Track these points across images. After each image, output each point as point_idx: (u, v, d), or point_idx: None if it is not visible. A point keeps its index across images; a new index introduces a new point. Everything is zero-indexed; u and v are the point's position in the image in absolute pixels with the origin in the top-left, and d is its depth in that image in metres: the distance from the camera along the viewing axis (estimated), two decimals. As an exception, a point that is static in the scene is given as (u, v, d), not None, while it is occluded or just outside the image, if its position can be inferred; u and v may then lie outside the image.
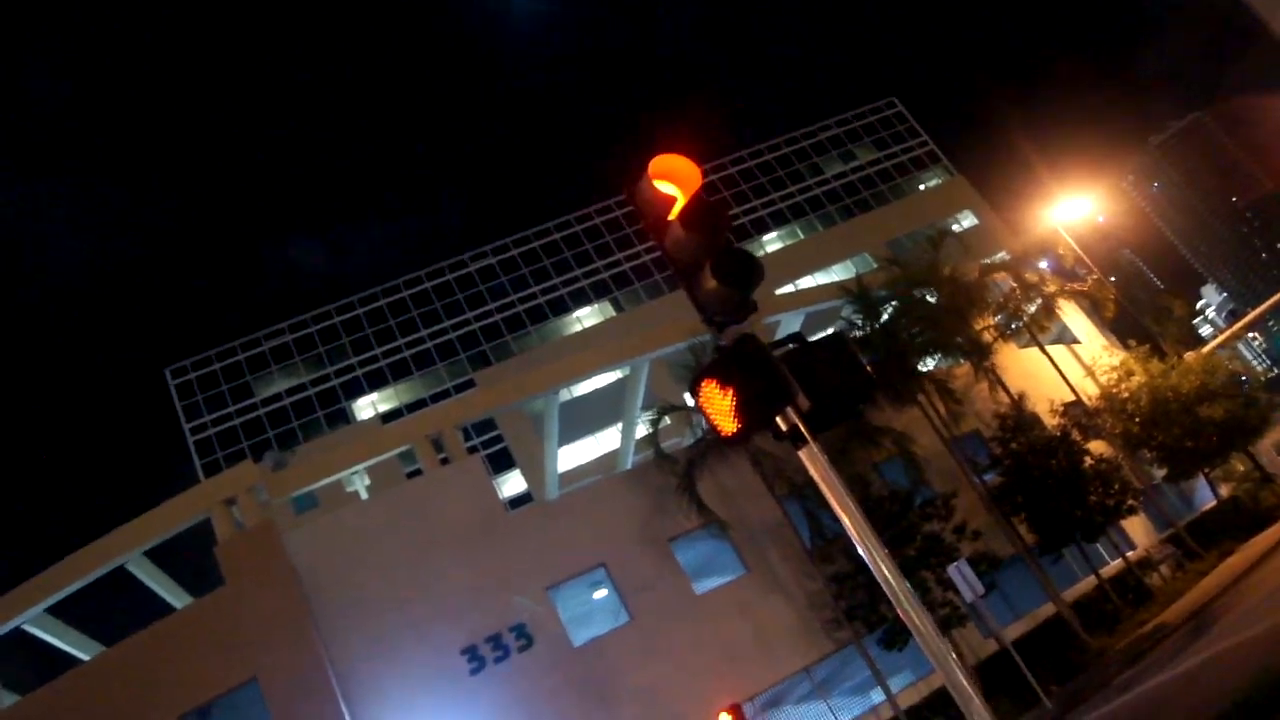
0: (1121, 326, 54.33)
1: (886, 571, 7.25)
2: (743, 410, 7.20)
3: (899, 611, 7.37)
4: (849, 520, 7.35)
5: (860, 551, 7.36)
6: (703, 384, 7.46)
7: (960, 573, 26.50)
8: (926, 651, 7.12)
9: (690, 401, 32.72)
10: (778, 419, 7.44)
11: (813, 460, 7.57)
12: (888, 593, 7.32)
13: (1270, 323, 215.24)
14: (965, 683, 7.00)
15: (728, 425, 7.31)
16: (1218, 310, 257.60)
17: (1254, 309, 77.25)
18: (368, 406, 71.80)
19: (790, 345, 7.98)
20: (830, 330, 44.12)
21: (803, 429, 7.46)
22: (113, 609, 37.59)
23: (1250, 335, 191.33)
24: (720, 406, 7.32)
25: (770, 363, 7.35)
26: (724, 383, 7.30)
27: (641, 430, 47.09)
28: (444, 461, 34.26)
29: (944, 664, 7.05)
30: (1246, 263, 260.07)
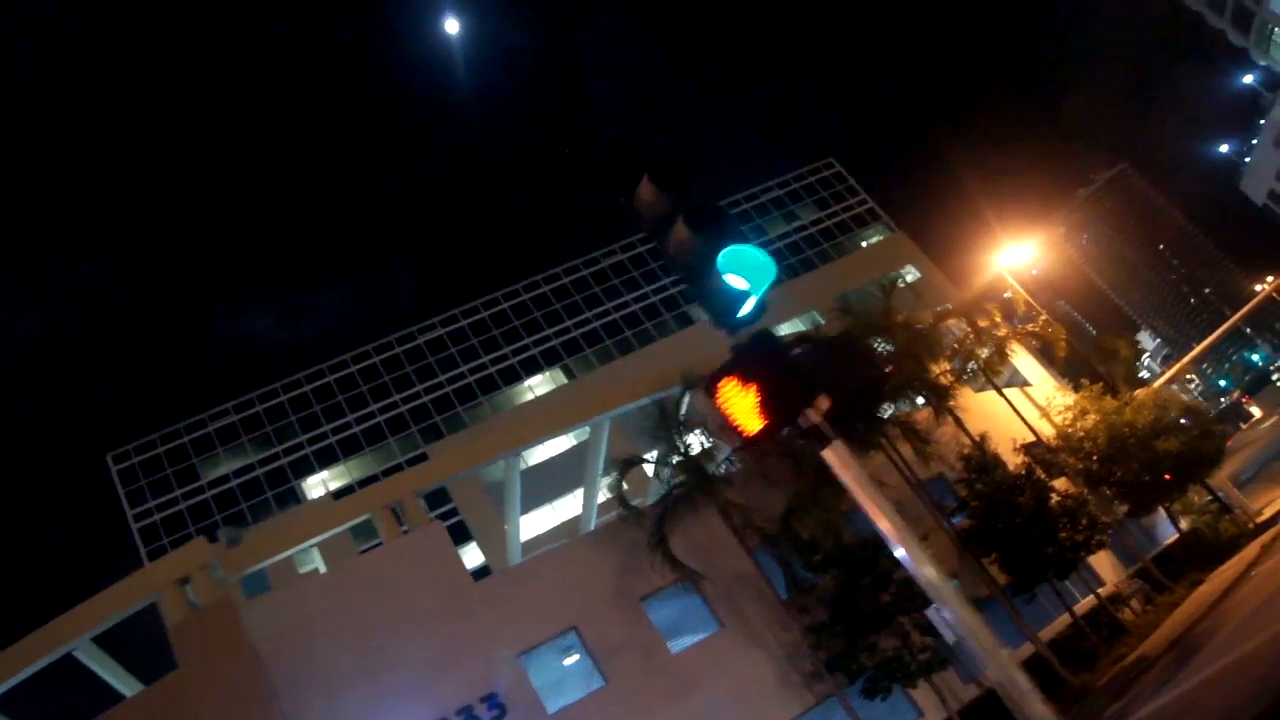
0: (1068, 370, 55.08)
1: (927, 572, 6.91)
2: (768, 406, 6.87)
3: (943, 615, 7.06)
4: (884, 521, 7.01)
5: (898, 553, 7.00)
6: (721, 383, 7.12)
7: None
8: (976, 648, 6.77)
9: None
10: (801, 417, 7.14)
11: (840, 457, 7.26)
12: (930, 594, 6.98)
13: (1205, 366, 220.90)
14: (1020, 679, 6.64)
15: (752, 424, 6.96)
16: (1153, 355, 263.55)
17: (1187, 353, 78.95)
18: (318, 485, 70.19)
19: (800, 346, 7.72)
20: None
21: (827, 426, 7.16)
22: (56, 702, 35.80)
23: (1188, 378, 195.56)
24: (743, 405, 6.98)
25: (793, 358, 7.06)
26: (745, 380, 6.97)
27: (603, 495, 46.57)
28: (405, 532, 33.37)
29: (994, 657, 6.72)
30: (1177, 309, 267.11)
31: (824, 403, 7.15)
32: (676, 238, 7.77)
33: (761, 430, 6.91)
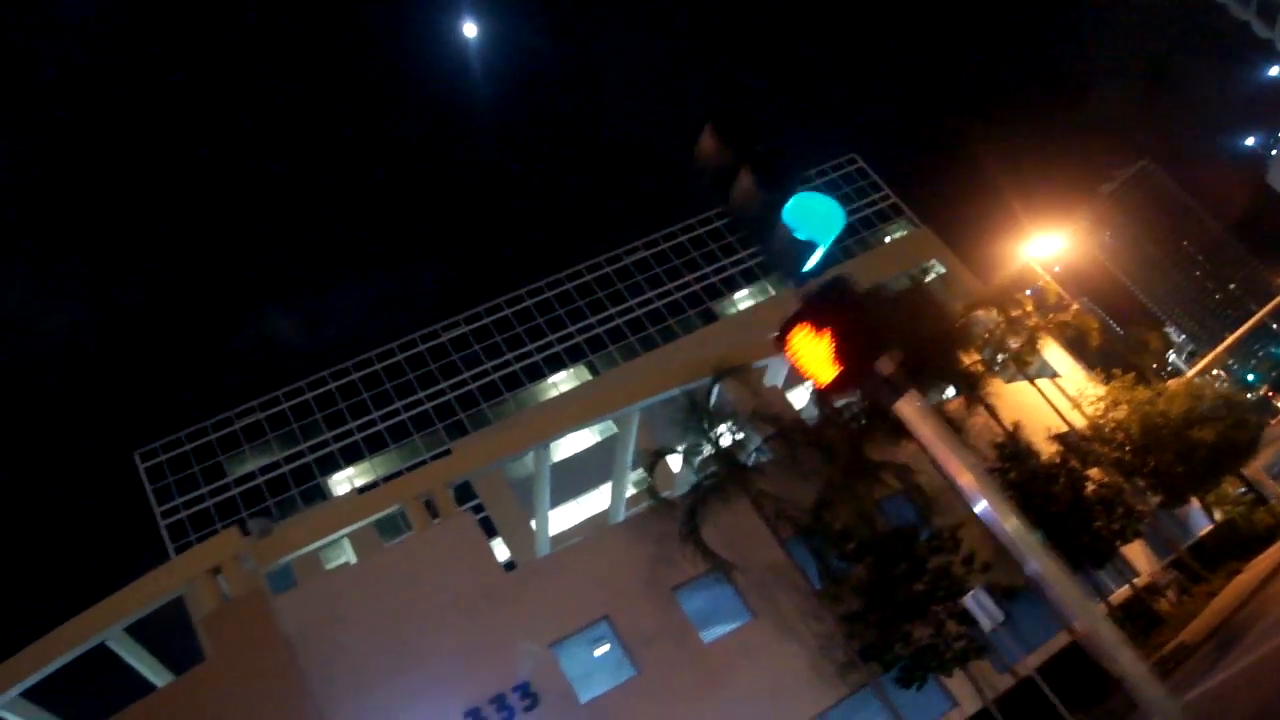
0: (1096, 363, 54.52)
1: (1011, 525, 6.70)
2: (844, 353, 6.67)
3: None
4: (965, 475, 6.80)
5: (979, 507, 6.79)
6: (793, 331, 6.94)
7: (978, 602, 25.82)
8: (1064, 604, 6.57)
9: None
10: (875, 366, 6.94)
11: (915, 409, 7.05)
12: (1012, 548, 6.77)
13: (1231, 362, 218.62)
14: (1109, 630, 6.46)
15: (826, 372, 6.77)
16: (1177, 352, 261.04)
17: (1211, 350, 78.07)
18: (344, 481, 70.39)
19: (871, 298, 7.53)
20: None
21: (901, 376, 6.96)
22: (85, 694, 35.83)
23: (1214, 372, 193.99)
24: (816, 352, 6.80)
25: (870, 304, 6.86)
26: (819, 325, 6.78)
27: (631, 490, 46.35)
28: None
29: (1083, 609, 6.53)
30: (1202, 305, 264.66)
31: (897, 353, 6.97)
32: (740, 189, 7.57)
33: (835, 379, 6.72)
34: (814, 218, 7.34)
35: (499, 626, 29.24)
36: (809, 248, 7.29)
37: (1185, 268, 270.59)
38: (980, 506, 6.74)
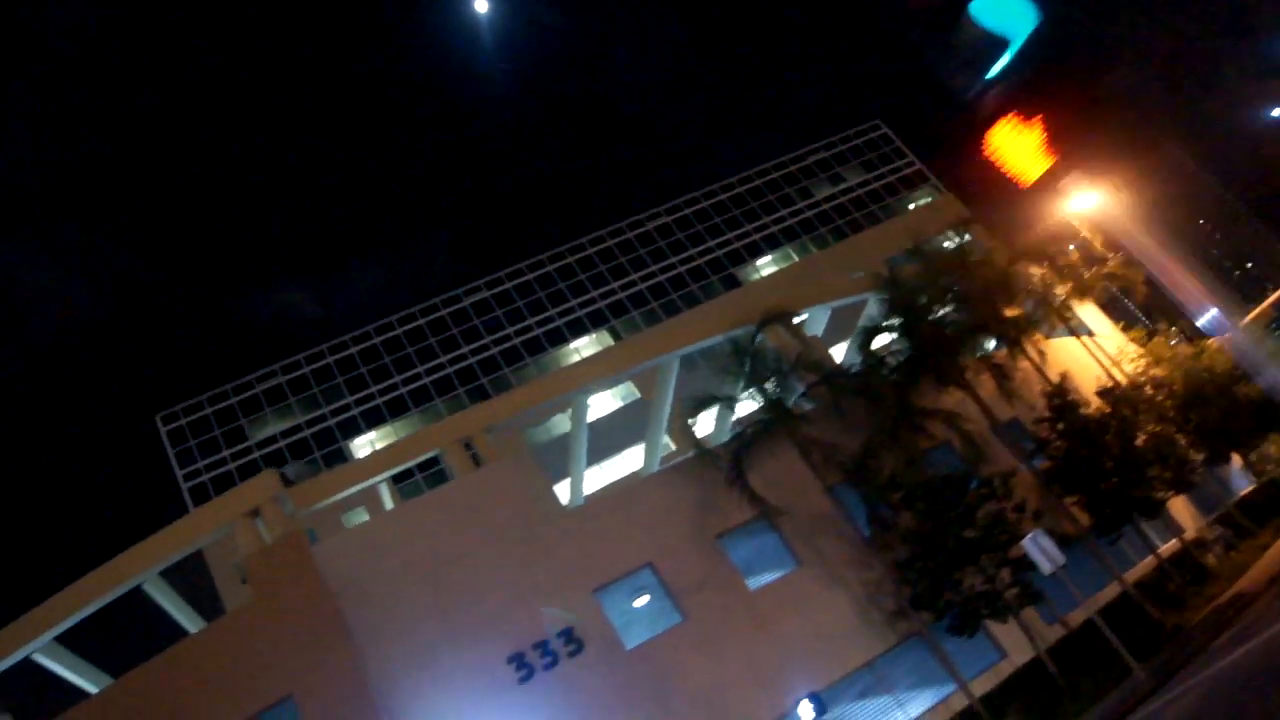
0: (1129, 326, 53.76)
1: (1240, 338, 6.07)
2: (1058, 141, 6.01)
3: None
4: (1189, 276, 6.18)
5: (1206, 318, 6.17)
6: (996, 125, 6.30)
7: (1037, 544, 25.24)
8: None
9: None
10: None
11: (1126, 210, 6.40)
12: (1243, 362, 6.14)
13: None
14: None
15: (1033, 167, 6.17)
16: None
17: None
18: (365, 445, 69.95)
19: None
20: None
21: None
22: (117, 640, 35.46)
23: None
24: (1022, 146, 6.24)
25: (1088, 88, 6.16)
26: (1029, 113, 6.27)
27: (663, 451, 45.82)
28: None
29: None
30: (1218, 283, 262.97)
31: (1106, 144, 6.31)
32: (918, -11, 6.92)
33: (1045, 174, 6.05)
34: (1004, 12, 6.74)
35: (543, 572, 28.79)
36: (999, 45, 6.69)
37: (1202, 246, 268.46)
38: (1208, 317, 6.12)
